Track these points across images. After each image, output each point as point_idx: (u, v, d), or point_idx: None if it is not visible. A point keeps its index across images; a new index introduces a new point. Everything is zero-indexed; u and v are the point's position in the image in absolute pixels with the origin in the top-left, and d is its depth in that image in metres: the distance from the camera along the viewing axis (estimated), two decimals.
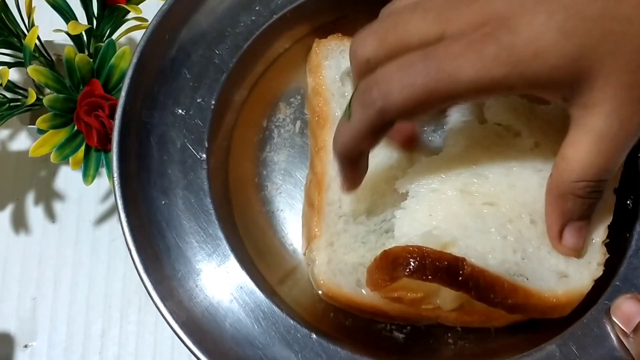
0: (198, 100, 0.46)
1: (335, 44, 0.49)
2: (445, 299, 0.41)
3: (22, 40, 0.49)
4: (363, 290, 0.43)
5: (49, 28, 0.50)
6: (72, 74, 0.49)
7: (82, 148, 0.49)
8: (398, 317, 0.43)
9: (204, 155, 0.45)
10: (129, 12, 0.50)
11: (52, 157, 0.48)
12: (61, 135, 0.49)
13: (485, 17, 0.34)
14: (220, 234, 0.44)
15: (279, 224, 0.48)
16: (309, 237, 0.45)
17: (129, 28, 0.52)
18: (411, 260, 0.37)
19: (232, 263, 0.43)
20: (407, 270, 0.37)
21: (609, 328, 0.40)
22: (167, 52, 0.46)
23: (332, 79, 0.48)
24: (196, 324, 0.41)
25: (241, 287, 0.43)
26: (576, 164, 0.36)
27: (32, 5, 0.49)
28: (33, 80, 0.48)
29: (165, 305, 0.40)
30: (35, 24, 0.49)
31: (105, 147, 0.49)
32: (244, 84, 0.49)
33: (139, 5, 0.51)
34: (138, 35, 0.58)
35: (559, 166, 0.37)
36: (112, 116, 0.48)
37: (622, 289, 0.41)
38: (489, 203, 0.41)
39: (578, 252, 0.40)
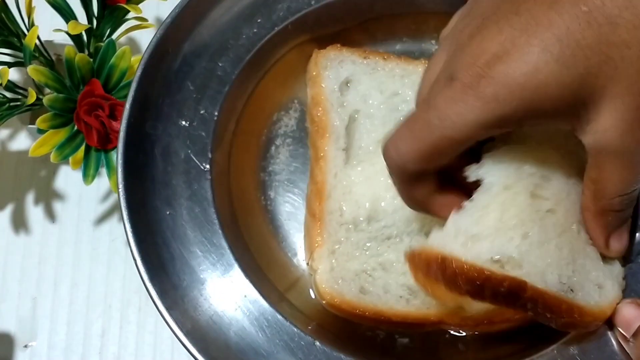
0: (201, 112, 0.46)
1: (334, 55, 0.49)
2: (472, 306, 0.40)
3: (22, 40, 0.49)
4: (366, 297, 0.43)
5: (49, 28, 0.50)
6: (72, 74, 0.49)
7: (82, 148, 0.49)
8: (401, 323, 0.43)
9: (208, 166, 0.45)
10: (129, 12, 0.50)
11: (52, 157, 0.48)
12: (61, 135, 0.49)
13: (480, 59, 0.34)
14: (224, 244, 0.44)
15: (282, 234, 0.48)
16: (311, 246, 0.46)
17: (129, 28, 0.52)
18: (472, 284, 0.36)
19: (236, 272, 0.43)
20: (464, 291, 0.37)
21: (609, 333, 0.40)
22: (171, 65, 0.47)
23: (331, 89, 0.48)
24: (201, 333, 0.41)
25: (245, 296, 0.43)
26: (606, 183, 0.37)
27: (32, 5, 0.49)
28: (33, 80, 0.48)
29: (170, 315, 0.41)
30: (35, 24, 0.49)
31: (105, 147, 0.49)
32: (245, 95, 0.49)
33: (139, 5, 0.51)
34: (138, 35, 0.58)
35: (590, 187, 0.38)
36: (112, 116, 0.49)
37: (622, 294, 0.41)
38: (551, 210, 0.40)
39: (623, 252, 0.41)
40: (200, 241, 0.44)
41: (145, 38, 0.60)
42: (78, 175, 0.50)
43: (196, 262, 0.43)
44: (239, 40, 0.48)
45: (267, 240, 0.48)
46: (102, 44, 0.49)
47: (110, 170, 0.49)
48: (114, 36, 0.51)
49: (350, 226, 0.45)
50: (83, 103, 0.48)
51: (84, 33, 0.51)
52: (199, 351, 0.40)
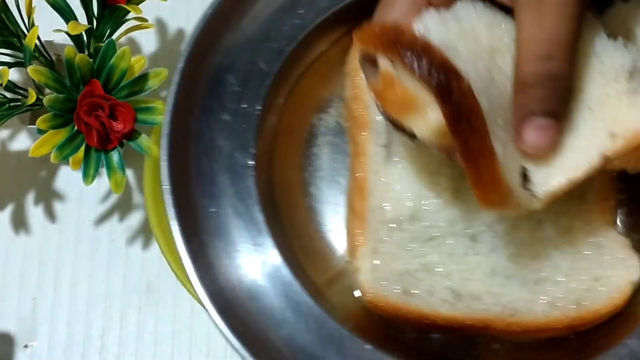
0: (243, 106, 0.45)
1: None
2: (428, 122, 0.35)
3: (22, 40, 0.49)
4: (410, 299, 0.42)
5: (49, 28, 0.50)
6: (72, 74, 0.49)
7: (82, 148, 0.49)
8: (445, 327, 0.42)
9: (252, 162, 0.44)
10: (129, 12, 0.50)
11: (52, 157, 0.48)
12: (61, 135, 0.49)
13: None
14: (270, 242, 0.43)
15: (326, 230, 0.47)
16: (352, 245, 0.45)
17: (129, 28, 0.52)
18: (416, 51, 0.33)
19: (285, 273, 0.42)
20: (404, 53, 0.34)
21: None
22: (212, 58, 0.45)
23: None
24: (252, 335, 0.40)
25: (294, 297, 0.42)
26: (520, 40, 0.34)
27: (32, 5, 0.49)
28: (33, 80, 0.48)
29: (222, 318, 0.40)
30: (35, 24, 0.49)
31: (105, 147, 0.49)
32: (287, 89, 0.48)
33: (139, 5, 0.51)
34: (138, 35, 0.58)
35: (514, 56, 0.35)
36: (112, 116, 0.48)
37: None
38: (502, 54, 0.37)
39: (540, 153, 0.36)
40: (247, 239, 0.43)
41: (145, 38, 0.60)
42: (78, 175, 0.50)
43: (242, 261, 0.42)
44: (280, 32, 0.47)
45: (311, 237, 0.47)
46: (102, 44, 0.49)
47: (111, 170, 0.49)
48: (114, 36, 0.51)
49: (392, 225, 0.44)
50: (83, 103, 0.48)
51: (84, 33, 0.51)
52: (253, 355, 0.39)
